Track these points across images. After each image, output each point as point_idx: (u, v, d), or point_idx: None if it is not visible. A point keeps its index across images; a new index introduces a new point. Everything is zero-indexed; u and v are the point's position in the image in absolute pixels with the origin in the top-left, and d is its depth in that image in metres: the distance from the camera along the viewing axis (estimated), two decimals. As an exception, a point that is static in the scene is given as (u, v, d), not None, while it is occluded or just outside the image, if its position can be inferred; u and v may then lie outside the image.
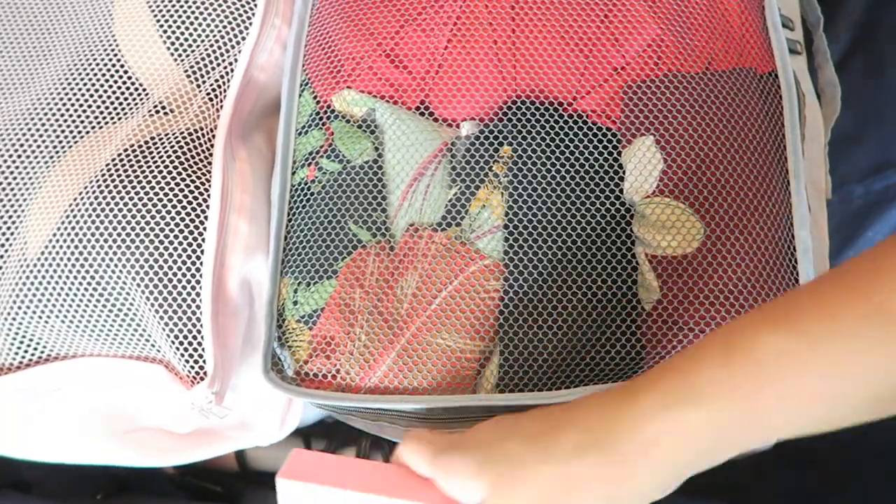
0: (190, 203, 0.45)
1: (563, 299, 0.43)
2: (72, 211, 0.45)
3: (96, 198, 0.45)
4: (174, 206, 0.45)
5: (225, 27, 0.50)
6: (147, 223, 0.44)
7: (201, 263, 0.44)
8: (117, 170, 0.45)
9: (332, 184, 0.47)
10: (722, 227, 0.43)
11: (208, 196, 0.46)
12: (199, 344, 0.44)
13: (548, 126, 0.45)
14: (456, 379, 0.43)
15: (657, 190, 0.44)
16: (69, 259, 0.45)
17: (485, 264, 0.44)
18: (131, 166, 0.45)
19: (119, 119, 0.48)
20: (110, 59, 0.50)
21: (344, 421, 0.48)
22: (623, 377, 0.42)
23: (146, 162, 0.46)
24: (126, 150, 0.46)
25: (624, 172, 0.45)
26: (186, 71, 0.49)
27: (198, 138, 0.47)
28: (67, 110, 0.49)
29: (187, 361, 0.44)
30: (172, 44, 0.50)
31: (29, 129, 0.49)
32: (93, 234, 0.44)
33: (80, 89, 0.49)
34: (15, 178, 0.48)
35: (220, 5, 0.50)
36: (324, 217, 0.46)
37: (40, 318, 0.45)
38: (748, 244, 0.43)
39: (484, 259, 0.44)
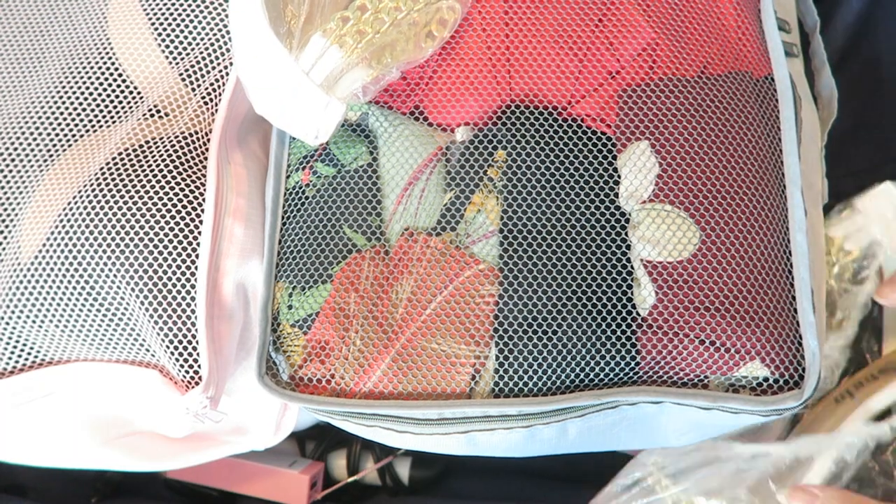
0: (185, 207, 0.45)
1: (558, 304, 0.43)
2: (66, 215, 0.45)
3: (90, 201, 0.44)
4: (169, 210, 0.45)
5: (220, 31, 0.50)
6: (142, 227, 0.44)
7: (196, 267, 0.44)
8: (112, 173, 0.45)
9: (327, 188, 0.47)
10: (717, 231, 0.43)
11: (203, 200, 0.45)
12: (194, 348, 0.44)
13: (542, 130, 0.45)
14: (451, 384, 0.43)
15: (653, 195, 0.43)
16: (63, 263, 0.44)
17: (480, 269, 0.44)
18: (126, 170, 0.45)
19: (113, 122, 0.48)
20: (104, 62, 0.50)
21: (337, 426, 0.48)
22: (619, 383, 0.42)
23: (141, 165, 0.45)
24: (121, 153, 0.46)
25: (619, 177, 0.44)
26: (181, 74, 0.49)
27: (193, 142, 0.47)
28: (62, 113, 0.49)
29: (182, 366, 0.44)
30: (167, 47, 0.49)
31: (23, 133, 0.48)
32: (87, 238, 0.44)
33: (74, 92, 0.49)
34: (8, 182, 0.48)
35: (215, 9, 0.50)
36: (318, 221, 0.46)
37: (34, 322, 0.45)
38: (744, 249, 0.42)
39: (479, 264, 0.44)
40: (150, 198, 0.44)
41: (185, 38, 0.49)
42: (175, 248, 0.44)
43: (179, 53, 0.49)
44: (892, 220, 0.52)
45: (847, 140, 0.59)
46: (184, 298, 0.44)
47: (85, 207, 0.44)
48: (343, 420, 0.46)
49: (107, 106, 0.49)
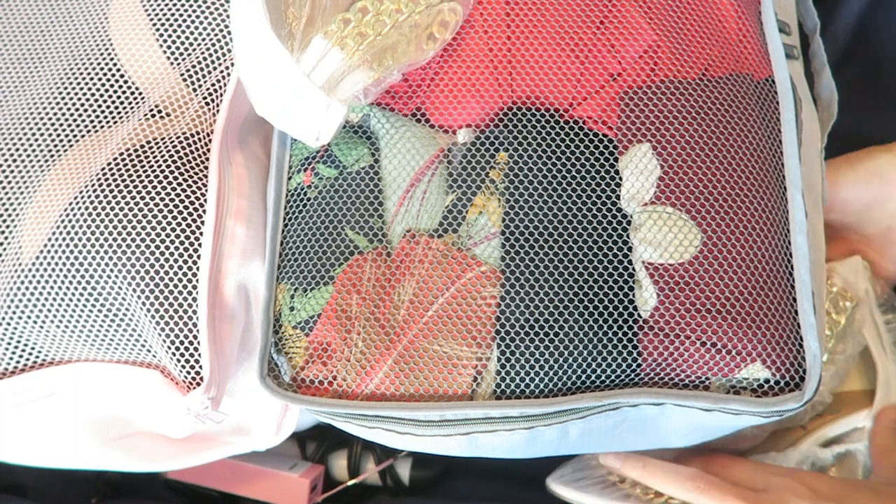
0: (186, 207, 0.45)
1: (560, 306, 0.43)
2: (67, 215, 0.45)
3: (92, 202, 0.44)
4: (170, 211, 0.45)
5: (221, 31, 0.50)
6: (143, 227, 0.44)
7: (197, 268, 0.44)
8: (113, 174, 0.45)
9: (329, 189, 0.47)
10: (719, 233, 0.43)
11: (205, 201, 0.46)
12: (196, 349, 0.44)
13: (544, 132, 0.45)
14: (453, 386, 0.43)
15: (654, 197, 0.44)
16: (65, 263, 0.44)
17: (482, 271, 0.44)
18: (127, 170, 0.45)
19: (115, 123, 0.48)
20: (106, 63, 0.50)
21: (339, 427, 0.48)
22: (620, 385, 0.42)
23: (142, 166, 0.45)
24: (122, 153, 0.46)
25: (621, 179, 0.44)
26: (182, 75, 0.49)
27: (194, 142, 0.47)
28: (63, 114, 0.49)
29: (183, 367, 0.44)
30: (169, 47, 0.49)
31: (24, 133, 0.48)
32: (88, 239, 0.44)
33: (75, 92, 0.49)
34: (10, 182, 0.48)
35: (216, 9, 0.50)
36: (320, 223, 0.46)
37: (35, 322, 0.45)
38: (745, 251, 0.43)
39: (481, 266, 0.44)
40: (152, 198, 0.44)
41: (187, 38, 0.49)
42: (176, 248, 0.44)
43: (181, 54, 0.49)
44: (866, 289, 0.59)
45: (847, 141, 0.59)
46: (185, 299, 0.44)
47: (86, 208, 0.44)
48: (345, 422, 0.46)
49: (108, 106, 0.49)
